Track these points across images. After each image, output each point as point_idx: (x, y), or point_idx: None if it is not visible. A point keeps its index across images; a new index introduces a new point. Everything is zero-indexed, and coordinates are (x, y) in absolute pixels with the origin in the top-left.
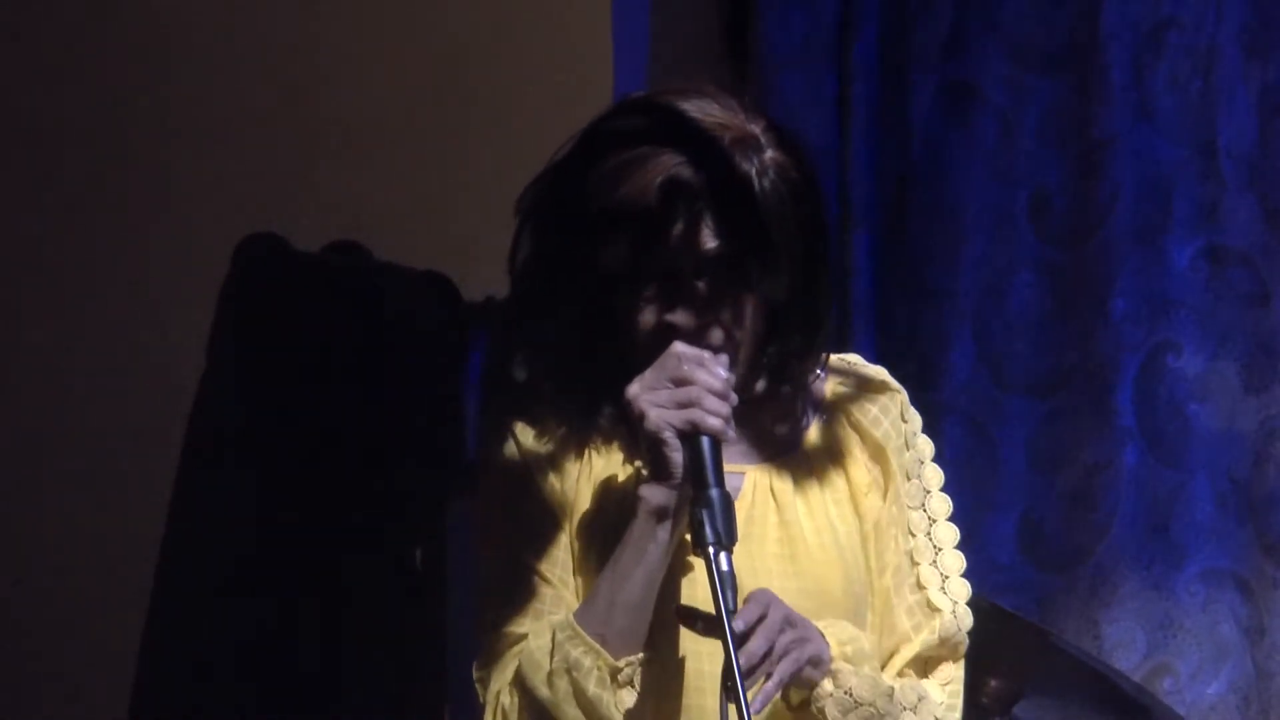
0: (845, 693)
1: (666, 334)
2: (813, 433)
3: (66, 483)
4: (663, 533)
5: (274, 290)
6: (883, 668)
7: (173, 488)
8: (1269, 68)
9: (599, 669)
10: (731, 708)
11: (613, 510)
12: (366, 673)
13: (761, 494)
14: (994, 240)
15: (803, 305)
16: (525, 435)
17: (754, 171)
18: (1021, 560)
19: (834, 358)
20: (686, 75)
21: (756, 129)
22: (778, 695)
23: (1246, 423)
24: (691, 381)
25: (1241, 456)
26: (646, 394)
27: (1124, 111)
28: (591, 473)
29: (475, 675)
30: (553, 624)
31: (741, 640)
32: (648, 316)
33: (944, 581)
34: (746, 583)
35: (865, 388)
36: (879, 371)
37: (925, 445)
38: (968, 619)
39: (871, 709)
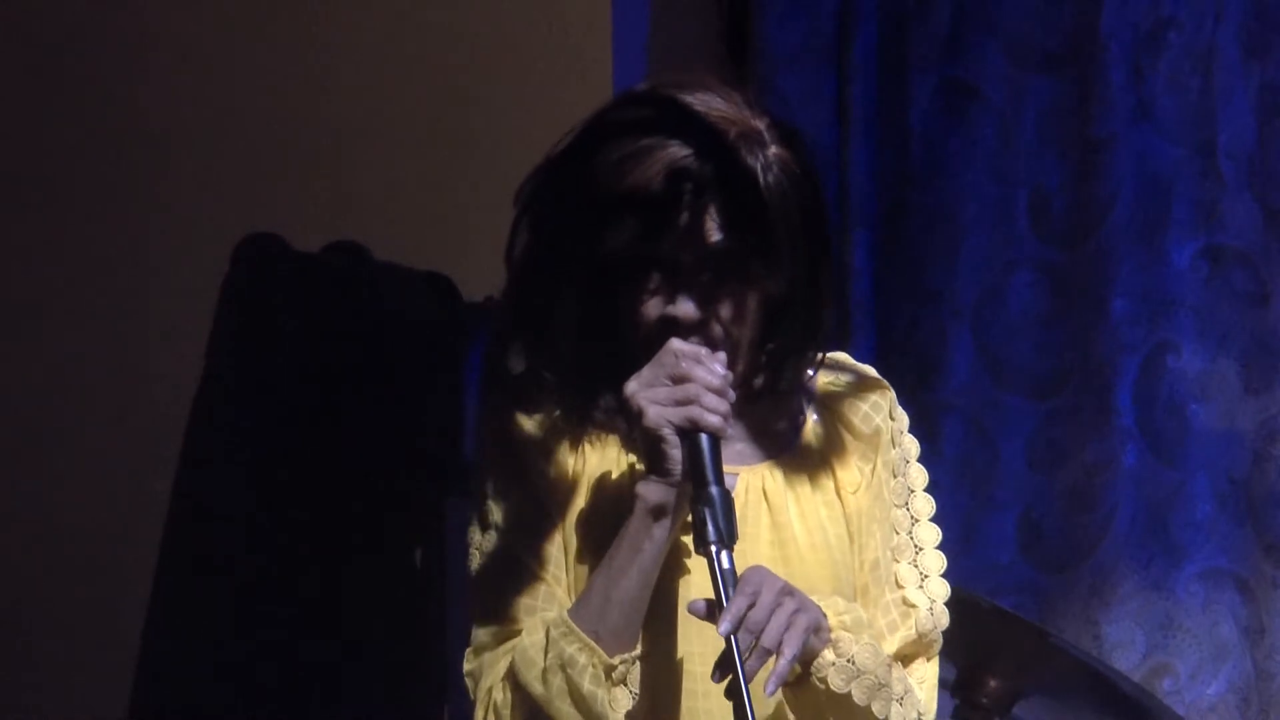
0: (848, 661)
1: (668, 326)
2: (806, 433)
3: (66, 483)
4: (660, 530)
5: (273, 290)
6: None
7: (172, 487)
8: (1268, 67)
9: (593, 666)
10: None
11: (609, 507)
12: (366, 673)
13: (754, 495)
14: (993, 240)
15: (803, 303)
16: (522, 429)
17: (759, 166)
18: (1021, 560)
19: (824, 357)
20: (685, 72)
21: (761, 124)
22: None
23: (1246, 423)
24: (690, 378)
25: (1241, 456)
26: (645, 391)
27: (1123, 111)
28: (587, 469)
29: (465, 669)
30: (546, 620)
31: (745, 611)
32: (649, 308)
33: (923, 580)
34: None
35: (856, 385)
36: (868, 370)
37: (911, 444)
38: (944, 617)
39: (873, 677)
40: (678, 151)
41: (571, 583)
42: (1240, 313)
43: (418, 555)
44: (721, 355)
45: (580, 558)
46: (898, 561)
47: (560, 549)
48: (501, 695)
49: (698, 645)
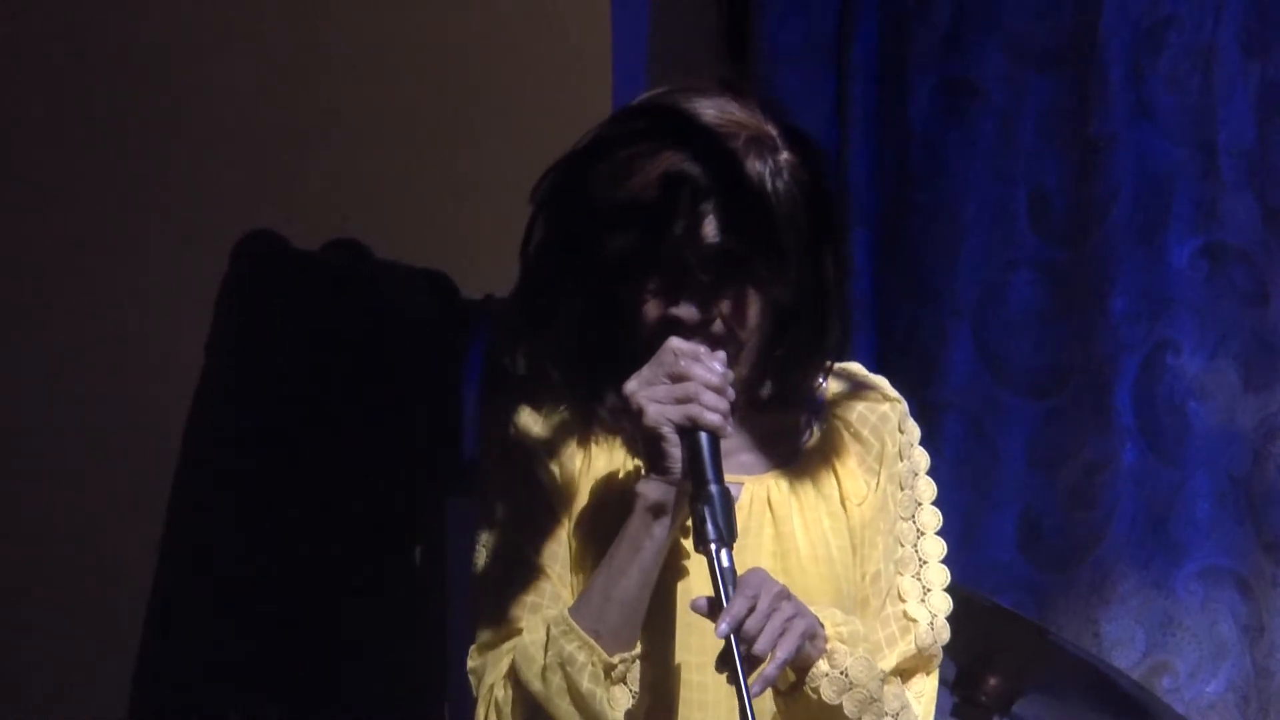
0: (841, 673)
1: (670, 327)
2: (812, 444)
3: (66, 482)
4: (659, 529)
5: (273, 288)
6: None
7: (172, 486)
8: (1268, 67)
9: (593, 664)
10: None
11: (612, 506)
12: (366, 673)
13: (759, 505)
14: (993, 239)
15: (812, 310)
16: (528, 427)
17: (767, 171)
18: (1021, 559)
19: (835, 366)
20: (686, 75)
21: (773, 130)
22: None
23: (1246, 421)
24: (688, 377)
25: (1241, 455)
26: (644, 390)
27: (1123, 110)
28: (592, 468)
29: (469, 666)
30: (547, 618)
31: (745, 613)
32: (652, 309)
33: (925, 595)
34: None
35: (866, 398)
36: (880, 381)
37: (921, 458)
38: (945, 632)
39: (865, 691)
40: (679, 154)
41: (575, 582)
42: (1240, 311)
43: (418, 555)
44: (721, 354)
45: (583, 557)
46: (901, 575)
47: (565, 548)
48: (503, 692)
49: (697, 645)
